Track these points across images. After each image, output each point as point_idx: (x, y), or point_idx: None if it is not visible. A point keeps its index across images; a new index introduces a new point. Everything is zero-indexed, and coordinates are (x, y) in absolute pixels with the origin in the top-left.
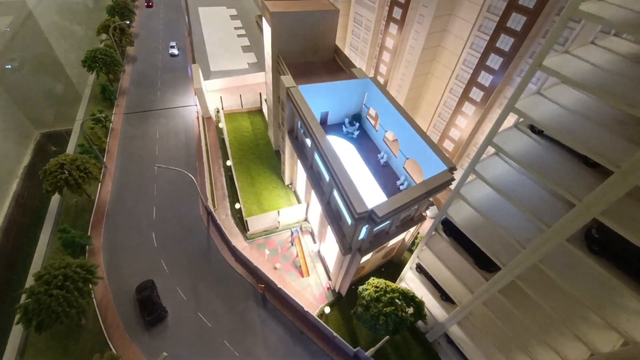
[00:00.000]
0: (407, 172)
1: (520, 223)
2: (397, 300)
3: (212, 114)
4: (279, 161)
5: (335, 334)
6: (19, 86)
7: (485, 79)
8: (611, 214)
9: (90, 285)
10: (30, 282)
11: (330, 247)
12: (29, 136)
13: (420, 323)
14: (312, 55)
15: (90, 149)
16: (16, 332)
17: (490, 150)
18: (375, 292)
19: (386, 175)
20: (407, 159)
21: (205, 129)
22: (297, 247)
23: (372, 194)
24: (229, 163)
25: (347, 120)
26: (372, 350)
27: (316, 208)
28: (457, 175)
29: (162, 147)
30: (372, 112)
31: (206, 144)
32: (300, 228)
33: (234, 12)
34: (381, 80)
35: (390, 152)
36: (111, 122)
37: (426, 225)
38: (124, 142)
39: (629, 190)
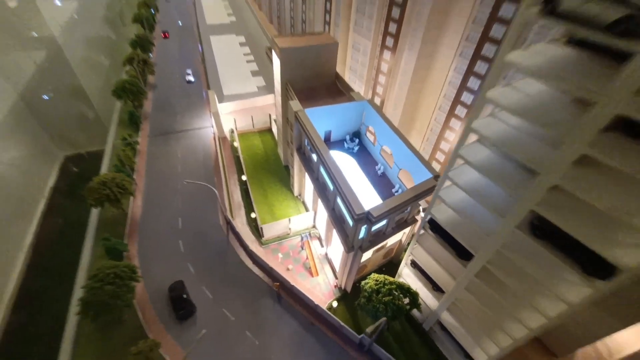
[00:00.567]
0: (401, 181)
1: (488, 218)
2: (394, 292)
3: (227, 134)
4: (288, 175)
5: (342, 323)
6: (48, 114)
7: (467, 98)
8: (543, 205)
9: (131, 285)
10: (80, 282)
11: (336, 249)
12: (54, 159)
13: (417, 314)
14: (315, 81)
15: (123, 169)
16: (70, 326)
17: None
18: (376, 284)
19: (383, 184)
20: (400, 169)
21: (221, 148)
22: (307, 251)
23: (370, 200)
24: (244, 178)
25: (348, 137)
26: (371, 327)
27: (322, 215)
28: None
29: (183, 165)
30: (371, 129)
31: (222, 161)
32: (309, 234)
33: (242, 39)
34: (378, 99)
35: (386, 164)
36: (138, 144)
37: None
38: (150, 162)
39: (550, 186)
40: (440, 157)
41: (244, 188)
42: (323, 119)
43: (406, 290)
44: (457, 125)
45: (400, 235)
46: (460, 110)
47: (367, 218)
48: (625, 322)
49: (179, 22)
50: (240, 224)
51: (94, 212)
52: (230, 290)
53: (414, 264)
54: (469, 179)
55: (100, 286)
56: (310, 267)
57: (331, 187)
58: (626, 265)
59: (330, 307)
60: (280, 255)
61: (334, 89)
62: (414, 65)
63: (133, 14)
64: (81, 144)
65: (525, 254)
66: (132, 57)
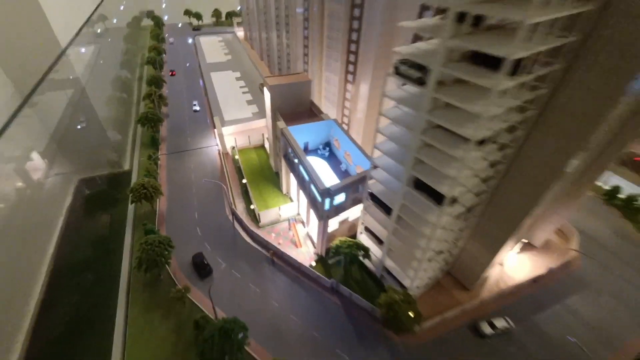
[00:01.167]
0: (357, 173)
1: (396, 185)
2: (352, 246)
3: (229, 150)
4: (278, 178)
5: (319, 274)
6: (67, 142)
7: None
8: (415, 170)
9: (169, 249)
10: (126, 257)
11: (313, 227)
12: (70, 181)
13: (372, 266)
14: (296, 107)
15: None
16: (123, 280)
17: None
18: (340, 242)
19: (345, 176)
20: (356, 165)
21: (225, 161)
22: (293, 230)
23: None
24: (244, 181)
25: (321, 146)
26: (333, 260)
27: (303, 204)
28: None
29: (195, 174)
30: (337, 139)
31: (226, 170)
32: (295, 219)
33: (238, 74)
34: (347, 118)
35: (348, 163)
36: (159, 159)
37: None
38: (169, 173)
39: (416, 156)
40: None
41: (244, 190)
42: (302, 134)
43: (361, 246)
44: None
45: (358, 213)
46: None
47: (328, 192)
48: (491, 252)
49: (187, 63)
50: (242, 214)
51: (131, 209)
52: (237, 258)
53: (366, 229)
54: (385, 162)
55: (150, 248)
56: (295, 242)
57: (307, 178)
58: (446, 193)
59: (310, 266)
60: (273, 234)
61: (309, 112)
62: (368, 93)
63: (145, 56)
64: (94, 169)
65: (412, 201)
66: (150, 93)
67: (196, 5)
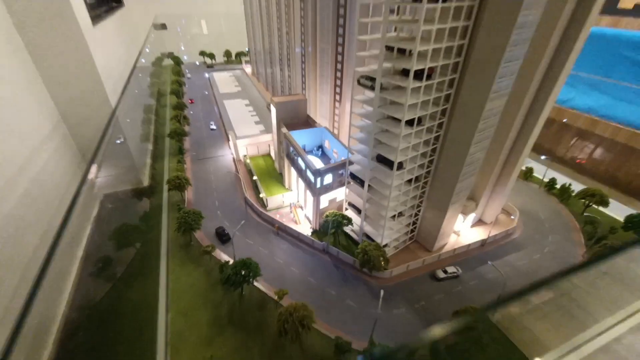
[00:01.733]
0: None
1: (366, 162)
2: (338, 216)
3: (242, 157)
4: (282, 177)
5: (314, 239)
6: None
7: None
8: (379, 148)
9: (200, 218)
10: (164, 230)
11: (309, 208)
12: (97, 196)
13: (355, 236)
14: (295, 119)
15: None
16: (163, 244)
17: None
18: (329, 214)
19: None
20: (342, 158)
21: (237, 166)
22: (294, 212)
23: None
24: (254, 178)
25: (315, 148)
26: (327, 229)
27: (302, 192)
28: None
29: (215, 175)
30: (327, 141)
31: (239, 172)
32: (295, 204)
33: (247, 102)
34: (336, 129)
35: (335, 158)
36: (185, 164)
37: None
38: (194, 174)
39: (375, 137)
40: None
41: (254, 185)
42: (300, 137)
43: (345, 217)
44: None
45: (343, 195)
46: None
47: (319, 172)
48: (441, 214)
49: (205, 91)
50: (253, 201)
51: (165, 197)
52: (249, 231)
53: (349, 204)
54: (359, 148)
55: (187, 215)
56: (296, 220)
57: (304, 167)
58: (394, 159)
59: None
60: (278, 215)
61: (306, 123)
62: (350, 109)
63: (168, 89)
64: (116, 185)
65: (376, 171)
66: (176, 114)
67: (210, 47)
